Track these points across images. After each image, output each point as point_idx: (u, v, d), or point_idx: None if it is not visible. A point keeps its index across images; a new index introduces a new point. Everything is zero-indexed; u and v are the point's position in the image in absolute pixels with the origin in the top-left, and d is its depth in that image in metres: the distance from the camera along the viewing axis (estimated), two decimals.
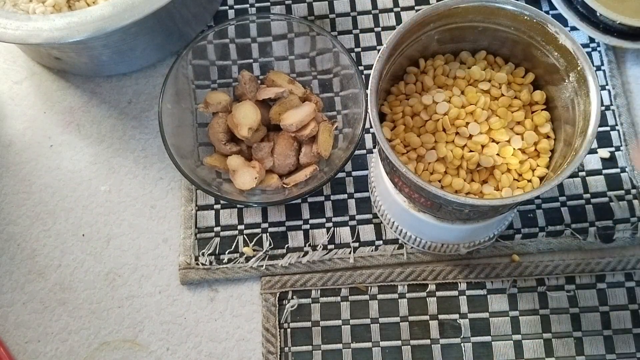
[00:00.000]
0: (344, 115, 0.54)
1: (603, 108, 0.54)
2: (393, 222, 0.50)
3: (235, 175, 0.51)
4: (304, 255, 0.52)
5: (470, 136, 0.42)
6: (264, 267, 0.51)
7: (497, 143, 0.42)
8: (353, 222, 0.52)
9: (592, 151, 0.53)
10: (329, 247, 0.52)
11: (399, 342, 0.49)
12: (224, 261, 0.52)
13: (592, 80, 0.38)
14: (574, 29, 0.56)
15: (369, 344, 0.49)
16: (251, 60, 0.56)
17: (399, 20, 0.59)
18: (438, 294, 0.50)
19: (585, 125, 0.38)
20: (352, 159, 0.53)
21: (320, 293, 0.51)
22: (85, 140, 0.57)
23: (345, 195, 0.53)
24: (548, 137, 0.43)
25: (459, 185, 0.41)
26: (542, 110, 0.43)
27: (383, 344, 0.49)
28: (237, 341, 0.50)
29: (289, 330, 0.50)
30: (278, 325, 0.50)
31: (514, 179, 0.42)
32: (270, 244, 0.52)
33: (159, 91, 0.50)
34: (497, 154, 0.42)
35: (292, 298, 0.51)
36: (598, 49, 0.56)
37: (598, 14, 0.52)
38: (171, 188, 0.55)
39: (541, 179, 0.42)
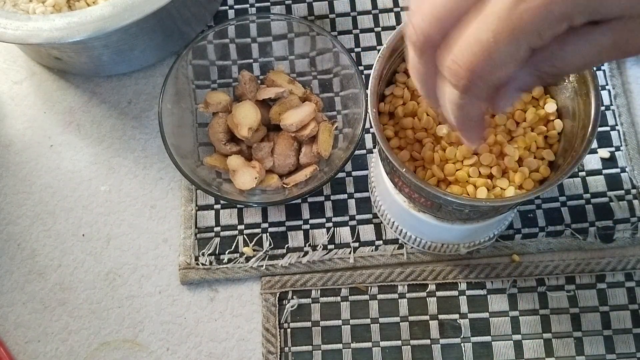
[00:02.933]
0: (344, 115, 0.54)
1: (603, 108, 0.54)
2: (393, 222, 0.50)
3: (235, 175, 0.51)
4: (304, 255, 0.52)
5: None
6: (264, 267, 0.51)
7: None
8: (353, 222, 0.52)
9: (592, 151, 0.53)
10: (329, 247, 0.52)
11: (399, 342, 0.49)
12: (224, 261, 0.52)
13: (592, 80, 0.38)
14: None
15: (369, 344, 0.49)
16: (251, 60, 0.56)
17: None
18: (438, 294, 0.50)
19: (585, 125, 0.38)
20: (352, 159, 0.53)
21: (320, 293, 0.51)
22: (85, 140, 0.57)
23: (345, 195, 0.53)
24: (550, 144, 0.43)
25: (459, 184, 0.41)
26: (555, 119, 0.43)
27: (383, 344, 0.49)
28: (237, 341, 0.50)
29: (289, 330, 0.50)
30: (278, 325, 0.50)
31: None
32: (270, 244, 0.52)
33: (159, 91, 0.50)
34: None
35: (292, 298, 0.51)
36: None
37: None
38: (171, 188, 0.55)
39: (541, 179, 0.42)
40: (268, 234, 0.52)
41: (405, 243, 0.51)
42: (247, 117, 0.51)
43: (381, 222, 0.52)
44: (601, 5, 0.24)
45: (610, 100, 0.55)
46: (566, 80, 0.41)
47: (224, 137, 0.52)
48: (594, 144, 0.53)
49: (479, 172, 0.41)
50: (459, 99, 0.28)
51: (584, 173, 0.53)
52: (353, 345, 0.49)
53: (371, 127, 0.53)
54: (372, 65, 0.40)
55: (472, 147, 0.35)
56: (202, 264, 0.52)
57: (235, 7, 0.60)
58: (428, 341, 0.49)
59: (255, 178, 0.50)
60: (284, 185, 0.51)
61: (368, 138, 0.55)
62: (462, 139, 0.33)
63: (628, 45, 0.26)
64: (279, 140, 0.52)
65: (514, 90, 0.28)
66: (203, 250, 0.52)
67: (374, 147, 0.54)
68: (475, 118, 0.29)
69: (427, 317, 0.50)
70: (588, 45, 0.26)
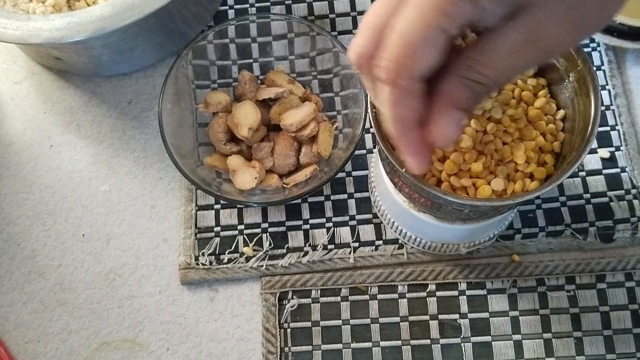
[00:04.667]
0: (344, 115, 0.54)
1: (603, 108, 0.54)
2: (393, 222, 0.50)
3: (235, 175, 0.51)
4: (304, 255, 0.52)
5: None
6: (264, 267, 0.51)
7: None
8: (353, 222, 0.52)
9: (592, 151, 0.53)
10: (329, 247, 0.52)
11: (399, 342, 0.49)
12: (224, 261, 0.52)
13: (592, 80, 0.38)
14: None
15: (369, 344, 0.49)
16: (251, 60, 0.56)
17: None
18: (438, 294, 0.50)
19: (585, 125, 0.38)
20: (352, 159, 0.53)
21: (320, 293, 0.51)
22: (85, 140, 0.57)
23: (345, 195, 0.53)
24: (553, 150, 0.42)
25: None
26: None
27: (383, 344, 0.49)
28: (237, 341, 0.50)
29: (289, 330, 0.50)
30: (278, 325, 0.50)
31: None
32: (270, 244, 0.52)
33: (159, 91, 0.50)
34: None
35: (292, 298, 0.51)
36: (598, 49, 0.56)
37: None
38: (171, 188, 0.55)
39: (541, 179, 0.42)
40: (268, 234, 0.52)
41: (405, 243, 0.51)
42: (247, 117, 0.51)
43: (381, 222, 0.52)
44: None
45: (610, 100, 0.55)
46: (566, 80, 0.41)
47: (224, 137, 0.52)
48: (594, 144, 0.53)
49: (479, 172, 0.41)
50: (390, 94, 0.28)
51: (584, 173, 0.53)
52: (353, 345, 0.49)
53: (371, 127, 0.53)
54: None
55: (415, 172, 0.33)
56: (202, 264, 0.52)
57: (235, 7, 0.60)
58: (428, 341, 0.49)
59: (255, 178, 0.50)
60: (284, 185, 0.51)
61: (368, 138, 0.55)
62: (407, 163, 0.32)
63: (542, 41, 0.27)
64: (279, 140, 0.52)
65: (449, 106, 0.28)
66: (203, 250, 0.52)
67: (374, 147, 0.54)
68: (409, 121, 0.29)
69: (427, 317, 0.50)
70: (503, 45, 0.27)
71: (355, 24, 0.59)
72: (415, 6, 0.26)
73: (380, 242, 0.52)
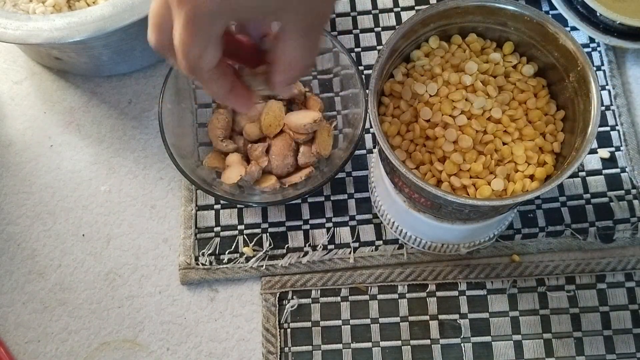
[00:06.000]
0: (344, 115, 0.54)
1: (603, 108, 0.54)
2: (393, 222, 0.50)
3: (226, 170, 0.51)
4: (304, 256, 0.52)
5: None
6: (264, 267, 0.51)
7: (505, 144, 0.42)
8: (353, 222, 0.52)
9: (592, 151, 0.53)
10: (329, 247, 0.52)
11: (399, 342, 0.49)
12: (224, 261, 0.52)
13: (592, 80, 0.38)
14: (574, 29, 0.56)
15: (369, 344, 0.49)
16: None
17: (399, 20, 0.59)
18: (438, 294, 0.50)
19: (585, 125, 0.38)
20: (352, 159, 0.53)
21: (320, 293, 0.51)
22: (85, 140, 0.57)
23: (345, 195, 0.53)
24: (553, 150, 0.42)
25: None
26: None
27: (383, 344, 0.49)
28: (237, 341, 0.50)
29: (289, 330, 0.50)
30: (278, 325, 0.50)
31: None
32: (270, 244, 0.52)
33: (159, 91, 0.50)
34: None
35: (292, 298, 0.51)
36: (598, 49, 0.56)
37: (598, 14, 0.52)
38: (171, 188, 0.55)
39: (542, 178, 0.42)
40: (268, 234, 0.52)
41: (405, 243, 0.51)
42: (274, 116, 0.51)
43: (381, 222, 0.52)
44: (236, 10, 0.30)
45: (610, 100, 0.55)
46: (566, 80, 0.41)
47: (222, 134, 0.52)
48: (594, 144, 0.53)
49: (479, 172, 0.41)
50: (199, 80, 0.34)
51: (584, 173, 0.53)
52: (353, 345, 0.49)
53: (371, 127, 0.53)
54: (372, 65, 0.40)
55: (245, 110, 0.40)
56: (202, 264, 0.52)
57: None
58: (428, 341, 0.49)
59: (241, 175, 0.50)
60: (282, 186, 0.51)
61: (368, 138, 0.55)
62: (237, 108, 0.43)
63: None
64: (277, 142, 0.52)
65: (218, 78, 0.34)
66: (203, 250, 0.52)
67: (374, 147, 0.54)
68: (224, 90, 0.35)
69: (427, 317, 0.50)
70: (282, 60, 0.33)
71: (355, 24, 0.59)
72: (179, 27, 0.30)
73: (380, 242, 0.52)
